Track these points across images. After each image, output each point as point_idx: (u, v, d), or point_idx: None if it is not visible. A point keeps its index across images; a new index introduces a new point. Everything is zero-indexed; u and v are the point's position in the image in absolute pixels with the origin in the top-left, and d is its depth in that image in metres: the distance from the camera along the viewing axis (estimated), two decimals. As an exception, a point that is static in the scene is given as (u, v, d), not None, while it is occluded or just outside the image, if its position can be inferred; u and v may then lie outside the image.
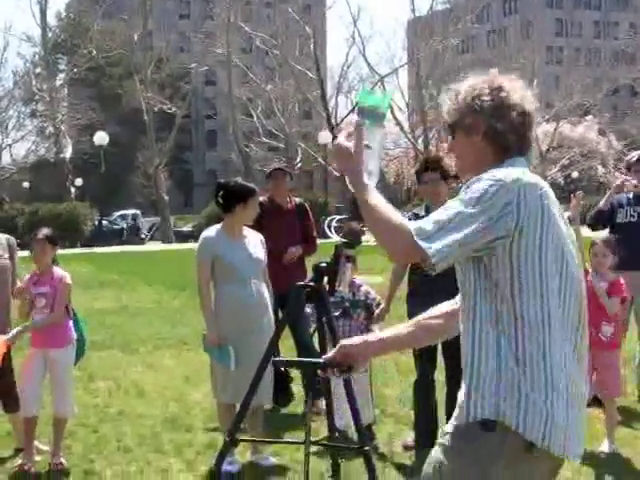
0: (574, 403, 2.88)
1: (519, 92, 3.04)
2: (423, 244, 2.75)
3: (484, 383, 2.86)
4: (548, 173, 72.15)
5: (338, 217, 5.48)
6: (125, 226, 54.69)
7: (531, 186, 2.87)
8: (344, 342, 3.28)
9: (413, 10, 66.02)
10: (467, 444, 2.86)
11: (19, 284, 6.68)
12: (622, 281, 6.71)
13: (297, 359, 3.52)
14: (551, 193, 2.94)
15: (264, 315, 6.50)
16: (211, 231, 6.66)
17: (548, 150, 72.60)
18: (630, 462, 6.43)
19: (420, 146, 63.12)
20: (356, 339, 3.31)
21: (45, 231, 6.68)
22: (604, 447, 6.58)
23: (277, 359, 4.27)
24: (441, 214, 2.82)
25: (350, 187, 2.98)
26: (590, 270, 6.67)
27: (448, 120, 3.12)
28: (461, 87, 3.08)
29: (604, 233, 7.72)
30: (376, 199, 2.90)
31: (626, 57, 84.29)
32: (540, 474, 2.90)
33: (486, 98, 3.01)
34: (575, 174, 71.13)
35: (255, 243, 6.64)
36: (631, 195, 8.28)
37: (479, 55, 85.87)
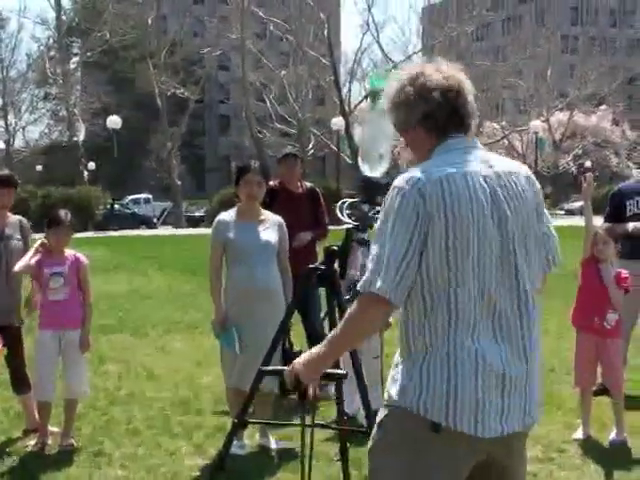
0: (487, 380, 2.97)
1: (440, 73, 3.11)
2: (376, 291, 2.94)
3: (394, 370, 3.11)
4: (561, 162, 72.01)
5: (350, 200, 5.47)
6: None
7: (432, 184, 2.95)
8: (294, 365, 3.25)
9: (428, -4, 65.89)
10: (385, 423, 3.11)
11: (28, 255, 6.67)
12: (626, 274, 6.68)
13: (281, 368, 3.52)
14: (468, 185, 2.97)
15: (271, 299, 6.44)
16: (225, 215, 6.67)
17: (562, 139, 72.34)
18: (630, 453, 6.40)
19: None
20: (302, 357, 3.25)
21: (69, 215, 6.67)
22: (611, 435, 6.61)
23: (264, 368, 4.29)
24: (373, 249, 3.01)
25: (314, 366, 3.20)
26: (597, 258, 6.66)
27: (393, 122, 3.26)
28: (388, 88, 3.21)
29: (601, 222, 7.61)
30: (328, 341, 3.12)
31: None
32: (456, 453, 3.01)
33: (409, 89, 3.12)
34: (588, 163, 70.83)
35: (269, 227, 6.62)
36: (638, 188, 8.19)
37: (494, 43, 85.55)
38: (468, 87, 3.14)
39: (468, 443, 2.99)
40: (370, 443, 3.18)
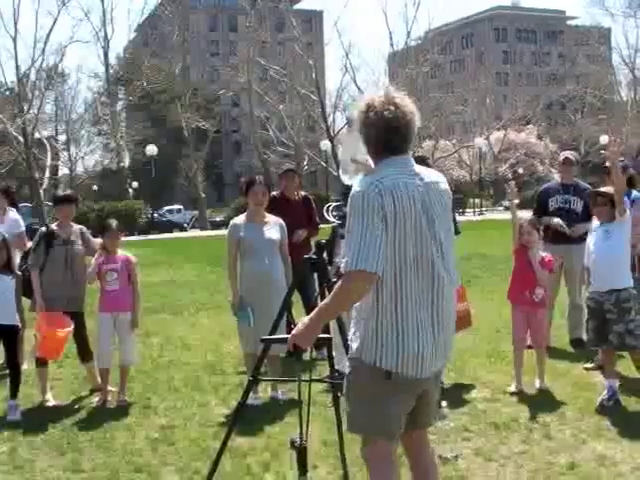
0: (425, 337, 3.13)
1: (388, 107, 3.13)
2: (363, 267, 2.98)
3: (357, 330, 3.21)
4: (500, 170, 72.00)
5: (335, 203, 5.48)
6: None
7: (386, 189, 3.05)
8: (292, 334, 3.23)
9: (392, 45, 65.69)
10: (352, 372, 3.25)
11: (91, 265, 6.67)
12: (550, 257, 6.65)
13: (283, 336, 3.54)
14: (408, 191, 3.08)
15: (275, 284, 6.40)
16: (237, 219, 6.66)
17: (499, 152, 72.36)
18: (555, 393, 6.39)
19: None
20: (297, 327, 3.23)
21: (116, 223, 6.69)
22: (535, 384, 6.50)
23: (265, 337, 4.32)
24: (349, 241, 3.06)
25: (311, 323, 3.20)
26: (525, 246, 6.61)
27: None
28: (353, 115, 3.28)
29: (529, 215, 7.57)
30: (318, 311, 3.16)
31: (556, 79, 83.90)
32: (404, 391, 3.20)
33: (362, 118, 3.20)
34: (521, 170, 70.80)
35: (272, 227, 6.59)
36: (560, 186, 8.20)
37: (444, 79, 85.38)
38: (412, 115, 3.18)
39: (412, 383, 3.18)
40: (344, 389, 3.31)
